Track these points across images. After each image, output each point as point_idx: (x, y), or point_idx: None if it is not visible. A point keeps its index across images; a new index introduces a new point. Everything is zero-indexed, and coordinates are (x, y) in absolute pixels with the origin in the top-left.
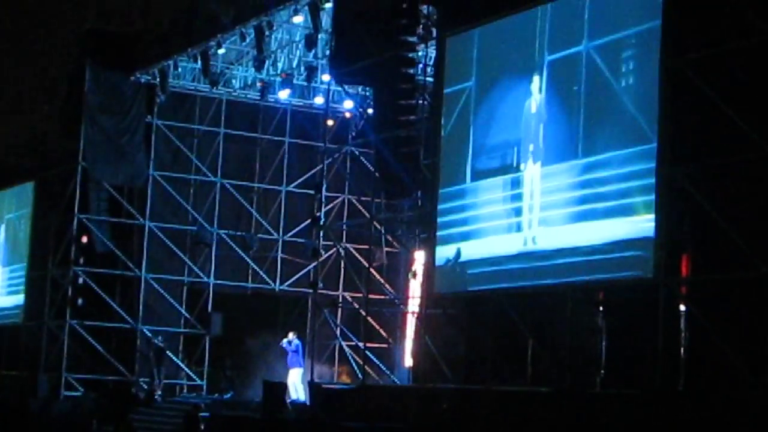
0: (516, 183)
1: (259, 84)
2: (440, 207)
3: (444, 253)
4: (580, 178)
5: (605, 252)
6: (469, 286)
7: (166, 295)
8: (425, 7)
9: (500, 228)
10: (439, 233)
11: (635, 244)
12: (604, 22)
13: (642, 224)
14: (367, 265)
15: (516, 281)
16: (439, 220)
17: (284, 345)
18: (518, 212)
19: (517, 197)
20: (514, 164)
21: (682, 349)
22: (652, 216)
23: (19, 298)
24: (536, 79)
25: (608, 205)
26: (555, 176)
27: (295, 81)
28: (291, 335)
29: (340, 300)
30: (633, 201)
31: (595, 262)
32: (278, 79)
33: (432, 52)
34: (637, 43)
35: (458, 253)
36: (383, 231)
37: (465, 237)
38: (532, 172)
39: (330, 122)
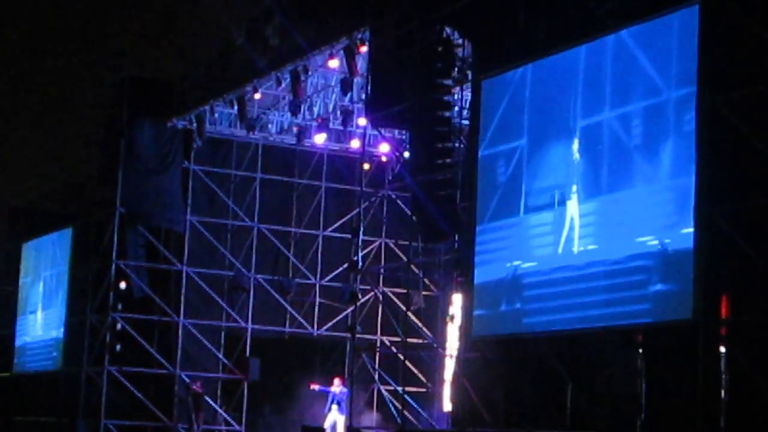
0: (561, 214)
1: (295, 129)
2: (497, 234)
3: (502, 270)
4: (606, 209)
5: (624, 262)
6: (524, 292)
7: (204, 341)
8: (461, 50)
9: (548, 248)
10: (497, 254)
11: (644, 256)
12: (621, 94)
13: (648, 243)
14: (404, 309)
15: (561, 286)
16: (495, 245)
17: (334, 393)
18: (562, 236)
19: (562, 225)
20: (559, 201)
21: (722, 391)
22: (650, 237)
23: (59, 332)
24: (576, 139)
25: (625, 229)
26: (589, 208)
27: (331, 125)
28: (337, 381)
29: (378, 344)
30: (642, 224)
31: (617, 270)
32: (314, 123)
33: (468, 95)
34: (645, 114)
35: (515, 269)
36: (421, 275)
37: (520, 256)
38: (573, 206)
39: (366, 166)
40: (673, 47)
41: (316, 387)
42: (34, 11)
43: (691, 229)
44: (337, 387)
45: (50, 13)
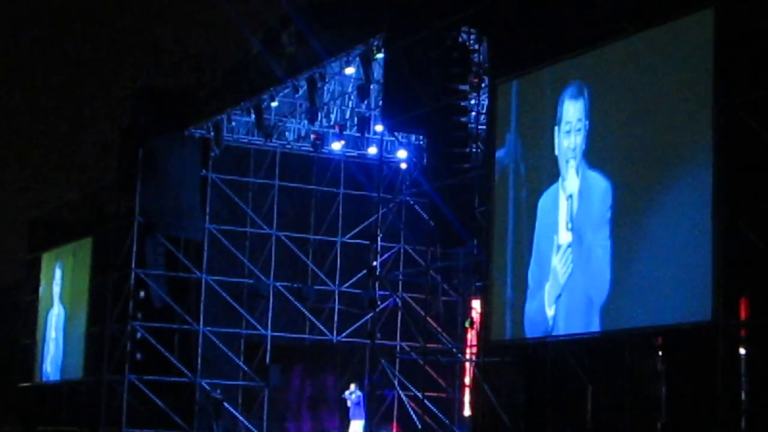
0: None
1: (312, 136)
2: None
3: None
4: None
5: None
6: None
7: (224, 348)
8: (476, 55)
9: None
10: None
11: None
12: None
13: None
14: (424, 315)
15: None
16: None
17: (346, 397)
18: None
19: None
20: None
21: (743, 393)
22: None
23: (79, 342)
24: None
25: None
26: None
27: (348, 132)
28: (353, 387)
29: (398, 350)
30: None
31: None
32: (331, 130)
33: (484, 100)
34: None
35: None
36: (439, 280)
37: None
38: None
39: (384, 172)
40: (688, 50)
41: (348, 402)
42: (50, 21)
43: (710, 231)
44: (354, 393)
45: (67, 23)
